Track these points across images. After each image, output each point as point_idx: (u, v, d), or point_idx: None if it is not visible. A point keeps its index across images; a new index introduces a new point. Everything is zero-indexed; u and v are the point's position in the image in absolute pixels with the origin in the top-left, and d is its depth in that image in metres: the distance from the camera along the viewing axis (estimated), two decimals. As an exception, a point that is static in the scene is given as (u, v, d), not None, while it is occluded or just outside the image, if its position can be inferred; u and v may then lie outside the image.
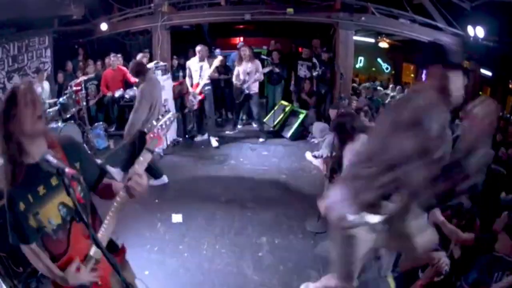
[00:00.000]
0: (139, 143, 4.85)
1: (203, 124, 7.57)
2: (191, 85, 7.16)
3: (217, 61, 6.98)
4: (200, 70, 6.99)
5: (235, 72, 7.47)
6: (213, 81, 7.39)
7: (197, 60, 7.04)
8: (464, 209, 3.52)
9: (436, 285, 2.81)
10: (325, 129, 6.89)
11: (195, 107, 7.19)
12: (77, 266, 1.85)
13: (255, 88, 7.41)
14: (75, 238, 1.88)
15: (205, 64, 6.99)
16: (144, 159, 1.78)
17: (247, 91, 7.35)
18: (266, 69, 7.61)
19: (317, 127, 7.31)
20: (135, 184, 1.75)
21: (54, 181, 1.80)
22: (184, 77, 8.36)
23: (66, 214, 1.85)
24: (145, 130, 1.81)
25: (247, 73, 7.23)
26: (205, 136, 7.48)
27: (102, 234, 1.88)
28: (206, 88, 7.07)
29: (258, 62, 7.42)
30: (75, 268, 1.85)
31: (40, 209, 1.78)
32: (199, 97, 7.07)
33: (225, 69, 8.46)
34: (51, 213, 1.81)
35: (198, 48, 7.00)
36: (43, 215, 1.79)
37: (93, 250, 1.91)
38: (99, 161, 5.84)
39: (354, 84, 11.54)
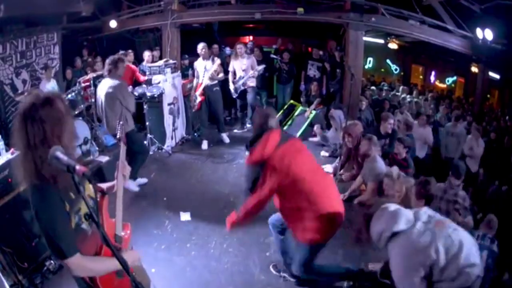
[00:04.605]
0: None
1: (218, 123, 7.40)
2: (196, 86, 7.08)
3: (216, 65, 6.80)
4: (204, 70, 6.89)
5: (230, 68, 7.46)
6: (222, 81, 7.32)
7: (200, 59, 6.94)
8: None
9: None
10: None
11: (195, 108, 7.15)
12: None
13: (251, 83, 7.40)
14: (105, 222, 2.01)
15: (209, 63, 6.86)
16: (123, 150, 2.44)
17: (243, 87, 7.37)
18: (260, 67, 7.44)
19: (336, 113, 7.25)
20: (122, 168, 2.23)
21: None
22: (194, 75, 8.38)
23: (94, 204, 1.93)
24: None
25: (243, 70, 7.24)
26: (223, 134, 7.39)
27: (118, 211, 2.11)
28: (214, 89, 6.98)
29: (253, 59, 7.41)
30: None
31: (81, 205, 1.79)
32: (199, 99, 6.98)
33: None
34: (85, 207, 1.80)
35: (199, 46, 6.83)
36: (82, 210, 1.80)
37: (118, 229, 2.05)
38: (107, 158, 5.85)
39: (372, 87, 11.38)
